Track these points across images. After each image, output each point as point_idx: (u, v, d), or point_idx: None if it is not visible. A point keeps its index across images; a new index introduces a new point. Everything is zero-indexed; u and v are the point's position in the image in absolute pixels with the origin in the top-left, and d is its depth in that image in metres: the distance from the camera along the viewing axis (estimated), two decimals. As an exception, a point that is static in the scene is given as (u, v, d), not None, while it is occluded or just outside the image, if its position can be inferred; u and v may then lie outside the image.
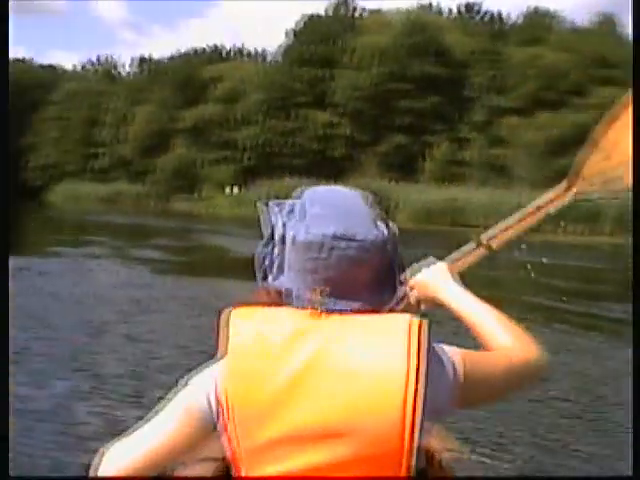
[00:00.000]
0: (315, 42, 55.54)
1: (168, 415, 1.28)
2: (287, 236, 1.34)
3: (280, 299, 1.32)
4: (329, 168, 50.46)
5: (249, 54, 66.78)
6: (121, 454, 1.26)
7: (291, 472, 1.19)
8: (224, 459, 1.41)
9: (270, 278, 1.35)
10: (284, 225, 1.36)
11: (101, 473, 1.26)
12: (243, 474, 1.24)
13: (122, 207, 53.14)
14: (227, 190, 54.26)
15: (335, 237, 1.27)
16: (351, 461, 1.18)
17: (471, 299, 1.55)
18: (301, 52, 55.73)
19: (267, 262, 1.36)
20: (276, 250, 1.35)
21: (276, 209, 1.40)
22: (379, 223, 1.35)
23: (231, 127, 58.61)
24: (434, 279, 1.59)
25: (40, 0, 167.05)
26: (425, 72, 49.74)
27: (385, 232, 1.34)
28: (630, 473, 1.32)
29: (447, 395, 1.28)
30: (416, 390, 1.15)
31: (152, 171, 60.25)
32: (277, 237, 1.36)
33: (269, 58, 63.53)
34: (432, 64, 49.85)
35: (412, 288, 1.61)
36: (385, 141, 51.37)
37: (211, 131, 59.12)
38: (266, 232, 1.38)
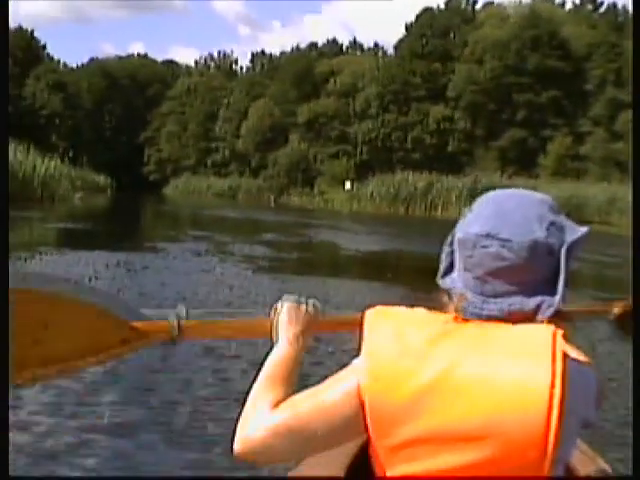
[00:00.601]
0: (431, 35, 58.36)
1: (332, 387, 1.36)
2: (455, 235, 1.42)
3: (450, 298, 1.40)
4: (445, 162, 52.96)
5: (365, 48, 70.51)
6: (273, 413, 1.37)
7: (426, 473, 1.25)
8: (361, 454, 1.59)
9: (439, 275, 1.43)
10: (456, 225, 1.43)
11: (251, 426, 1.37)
12: (378, 470, 1.32)
13: (237, 201, 57.13)
14: (344, 185, 56.61)
15: (479, 235, 1.31)
16: (487, 466, 1.22)
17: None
18: (417, 45, 58.46)
19: (443, 262, 1.44)
20: (447, 249, 1.44)
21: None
22: (541, 226, 1.32)
23: (347, 121, 61.89)
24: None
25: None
26: (543, 65, 51.41)
27: (543, 235, 1.31)
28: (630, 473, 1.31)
29: (593, 404, 1.32)
30: (561, 398, 1.18)
31: (268, 165, 64.42)
32: (449, 238, 1.45)
33: (388, 52, 66.59)
34: (550, 57, 51.48)
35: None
36: (502, 135, 53.33)
37: (327, 125, 62.63)
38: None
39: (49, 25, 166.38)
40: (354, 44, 71.01)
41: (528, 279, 1.32)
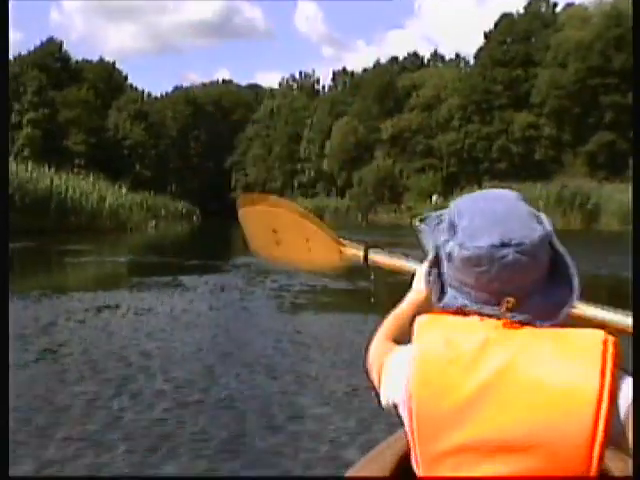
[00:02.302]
0: (511, 42, 59.33)
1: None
2: (442, 254, 1.42)
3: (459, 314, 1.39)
4: (533, 170, 53.52)
5: (447, 59, 71.79)
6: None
7: None
8: (404, 459, 1.64)
9: (435, 300, 1.43)
10: (436, 244, 1.44)
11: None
12: (421, 475, 1.35)
13: (325, 221, 59.03)
14: (431, 199, 57.76)
15: (492, 247, 1.30)
16: (531, 477, 1.24)
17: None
18: (497, 53, 59.43)
19: (432, 284, 1.44)
20: (434, 270, 1.44)
21: (429, 227, 1.52)
22: (534, 221, 1.36)
23: (431, 134, 63.43)
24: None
25: (244, 22, 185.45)
26: (629, 64, 49.77)
27: (542, 229, 1.34)
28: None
29: (625, 416, 1.27)
30: (608, 410, 1.19)
31: (354, 184, 66.24)
32: (431, 258, 1.46)
33: (470, 62, 67.76)
34: None
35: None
36: (590, 139, 53.52)
37: (411, 140, 64.24)
38: (427, 252, 1.50)
39: (135, 57, 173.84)
40: (435, 56, 72.24)
41: (538, 276, 1.35)
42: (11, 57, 68.98)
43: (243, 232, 2.59)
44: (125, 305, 11.52)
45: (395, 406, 1.44)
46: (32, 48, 69.53)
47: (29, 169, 33.25)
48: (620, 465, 1.79)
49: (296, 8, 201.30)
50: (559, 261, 1.39)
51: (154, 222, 41.36)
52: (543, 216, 1.40)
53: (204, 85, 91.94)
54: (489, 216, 1.36)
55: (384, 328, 1.67)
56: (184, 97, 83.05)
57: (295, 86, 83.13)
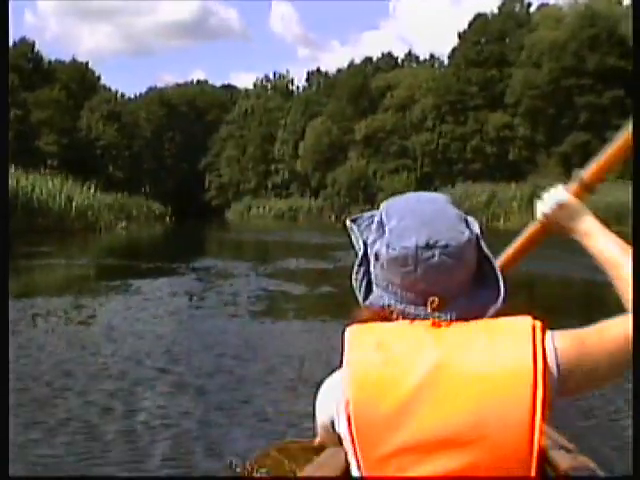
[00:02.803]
0: (485, 42, 59.04)
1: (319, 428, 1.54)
2: (370, 253, 1.44)
3: (386, 317, 1.40)
4: (507, 171, 53.75)
5: (422, 60, 71.06)
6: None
7: None
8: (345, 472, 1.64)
9: (360, 298, 1.45)
10: (365, 243, 1.46)
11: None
12: None
13: (299, 222, 58.68)
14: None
15: (418, 247, 1.33)
16: (477, 469, 1.25)
17: (609, 239, 1.56)
18: (471, 53, 59.16)
19: (358, 282, 1.46)
20: (362, 269, 1.45)
21: (357, 227, 1.52)
22: (462, 224, 1.39)
23: (405, 135, 62.91)
24: (561, 216, 1.64)
25: (219, 23, 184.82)
26: (603, 65, 50.99)
27: (469, 232, 1.38)
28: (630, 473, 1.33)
29: (554, 390, 1.32)
30: (544, 393, 1.24)
31: (328, 184, 65.85)
32: (360, 256, 1.46)
33: (444, 62, 67.20)
34: (610, 56, 50.81)
35: (544, 221, 1.69)
36: (564, 140, 53.01)
37: (385, 140, 63.71)
38: (357, 251, 1.49)
39: (110, 58, 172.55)
40: (409, 56, 71.94)
41: (465, 278, 1.38)
42: (-20, 56, 68.04)
43: None
44: (70, 311, 11.04)
45: (332, 423, 1.44)
46: (3, 48, 68.24)
47: None
48: (568, 460, 1.79)
49: (271, 9, 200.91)
50: (486, 264, 1.42)
51: (124, 223, 40.59)
52: (471, 219, 1.44)
53: (178, 86, 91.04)
54: (417, 217, 1.39)
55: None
56: (158, 98, 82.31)
57: (269, 86, 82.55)
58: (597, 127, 52.00)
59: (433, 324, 1.35)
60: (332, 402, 1.41)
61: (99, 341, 8.68)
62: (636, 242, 1.51)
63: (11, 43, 68.20)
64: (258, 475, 2.18)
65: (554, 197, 1.68)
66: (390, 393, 1.29)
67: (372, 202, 62.13)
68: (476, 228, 1.43)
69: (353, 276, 1.47)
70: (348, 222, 1.55)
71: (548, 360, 1.31)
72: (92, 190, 40.23)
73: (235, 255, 25.14)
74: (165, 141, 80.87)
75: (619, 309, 1.45)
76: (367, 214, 1.55)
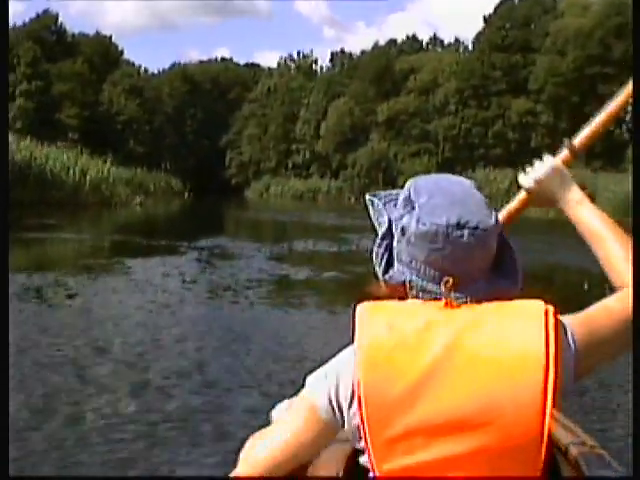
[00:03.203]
0: (511, 27, 58.68)
1: (293, 416, 1.47)
2: (395, 228, 1.43)
3: (403, 293, 1.42)
4: (528, 158, 53.71)
5: (446, 44, 70.94)
6: (250, 453, 1.49)
7: (425, 462, 1.28)
8: (352, 453, 1.66)
9: (380, 272, 1.45)
10: (389, 218, 1.45)
11: (237, 471, 1.47)
12: (377, 465, 1.33)
13: (317, 203, 58.40)
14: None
15: (449, 226, 1.33)
16: (487, 452, 1.26)
17: (595, 214, 1.62)
18: (496, 38, 58.80)
19: (379, 257, 1.45)
20: (384, 243, 1.45)
21: (381, 202, 1.50)
22: (489, 209, 1.40)
23: (427, 119, 62.76)
24: (554, 182, 1.69)
25: (246, 1, 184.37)
26: (629, 54, 51.21)
27: (494, 218, 1.39)
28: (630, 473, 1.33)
29: (571, 373, 1.37)
30: (555, 377, 1.24)
31: (348, 166, 65.68)
32: (383, 230, 1.46)
33: (469, 47, 67.00)
34: None
35: (529, 191, 1.71)
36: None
37: (407, 123, 63.50)
38: (377, 227, 1.49)
39: (135, 33, 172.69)
40: (434, 40, 71.51)
41: (486, 263, 1.39)
42: (6, 28, 68.22)
43: None
44: (71, 287, 11.04)
45: (340, 406, 1.42)
46: (27, 20, 68.75)
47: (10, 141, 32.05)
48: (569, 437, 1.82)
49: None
50: (506, 252, 1.44)
51: (139, 199, 40.02)
52: (492, 207, 1.44)
53: (202, 62, 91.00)
54: (448, 196, 1.39)
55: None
56: (181, 74, 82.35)
57: (293, 66, 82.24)
58: (621, 117, 51.46)
59: (445, 304, 1.36)
60: (335, 381, 1.41)
61: (92, 320, 8.71)
62: (636, 242, 1.54)
63: (34, 15, 68.66)
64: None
65: (547, 163, 1.73)
66: (401, 375, 1.30)
67: (392, 185, 61.90)
68: (499, 215, 1.47)
69: (374, 250, 1.47)
70: (368, 197, 1.54)
71: (563, 344, 1.34)
72: (108, 164, 39.54)
73: (250, 235, 24.83)
74: (187, 117, 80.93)
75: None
76: (387, 191, 1.55)
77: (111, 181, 37.85)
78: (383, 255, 1.46)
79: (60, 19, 69.11)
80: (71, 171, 33.49)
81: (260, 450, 1.48)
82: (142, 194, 42.52)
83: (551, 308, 1.31)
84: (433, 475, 1.30)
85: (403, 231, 1.41)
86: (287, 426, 1.48)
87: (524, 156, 41.87)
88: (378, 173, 63.95)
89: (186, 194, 58.17)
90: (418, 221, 1.37)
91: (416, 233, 1.37)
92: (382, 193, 1.55)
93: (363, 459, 1.41)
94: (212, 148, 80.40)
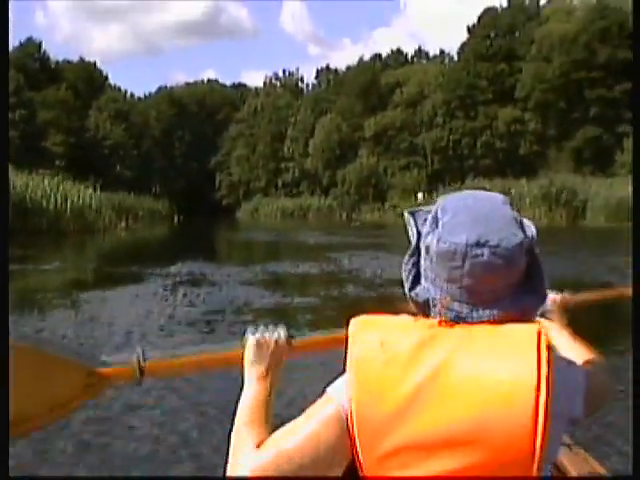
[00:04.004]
0: (495, 36, 58.55)
1: (310, 419, 1.40)
2: (422, 246, 1.43)
3: (425, 310, 1.42)
4: (518, 166, 53.23)
5: (431, 56, 70.77)
6: (258, 453, 1.40)
7: (417, 479, 1.29)
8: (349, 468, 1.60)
9: (407, 289, 1.45)
10: (419, 235, 1.45)
11: (237, 468, 1.40)
12: None
13: (308, 221, 57.86)
14: (415, 197, 57.14)
15: (468, 245, 1.32)
16: (476, 470, 1.26)
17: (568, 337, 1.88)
18: (481, 47, 58.66)
19: (407, 273, 1.46)
20: (412, 260, 1.45)
21: (414, 219, 1.50)
22: (517, 226, 1.37)
23: (415, 132, 62.57)
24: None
25: (230, 21, 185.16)
26: (614, 58, 50.26)
27: (523, 235, 1.36)
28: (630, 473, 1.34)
29: (580, 402, 1.39)
30: (547, 398, 1.22)
31: (338, 182, 65.55)
32: (412, 248, 1.46)
33: (454, 58, 66.66)
34: (621, 48, 49.66)
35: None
36: (575, 134, 52.60)
37: (395, 137, 63.43)
38: (410, 242, 1.49)
39: (121, 58, 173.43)
40: (419, 53, 71.43)
41: (512, 282, 1.37)
42: (-14, 57, 68.19)
43: None
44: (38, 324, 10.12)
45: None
46: (11, 48, 68.50)
47: None
48: (580, 466, 1.81)
49: (282, 7, 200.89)
50: (535, 269, 1.41)
51: (124, 224, 39.45)
52: (528, 222, 1.42)
53: (188, 85, 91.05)
54: (472, 214, 1.38)
55: (247, 438, 1.48)
56: (168, 97, 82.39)
57: (278, 85, 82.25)
58: (608, 120, 51.51)
59: (439, 323, 1.35)
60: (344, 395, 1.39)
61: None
62: (636, 241, 1.59)
63: (17, 43, 68.61)
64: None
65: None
66: (391, 393, 1.29)
67: (382, 200, 61.87)
68: (531, 232, 1.40)
69: (403, 266, 1.46)
70: (406, 214, 1.52)
71: (569, 374, 1.39)
72: (90, 190, 38.82)
73: (239, 258, 24.18)
74: (175, 140, 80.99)
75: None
76: (426, 208, 1.51)
77: (94, 207, 37.17)
78: (410, 272, 1.45)
79: (43, 47, 69.27)
80: (52, 198, 32.91)
81: (283, 441, 1.41)
82: (130, 219, 42.08)
83: (545, 331, 1.30)
84: None
85: (427, 249, 1.40)
86: (312, 421, 1.41)
87: (513, 165, 41.65)
88: (368, 189, 63.84)
89: (175, 217, 57.72)
90: (439, 240, 1.36)
91: (437, 252, 1.37)
92: (420, 210, 1.53)
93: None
94: (201, 170, 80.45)
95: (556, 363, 1.28)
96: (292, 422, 1.44)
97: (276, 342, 1.69)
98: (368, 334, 1.37)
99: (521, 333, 1.30)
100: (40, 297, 13.01)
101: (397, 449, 1.29)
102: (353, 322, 1.42)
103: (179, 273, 16.59)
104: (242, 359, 1.68)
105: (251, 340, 1.69)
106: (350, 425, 1.33)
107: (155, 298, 12.66)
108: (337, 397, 1.40)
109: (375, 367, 1.32)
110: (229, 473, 1.43)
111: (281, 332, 1.72)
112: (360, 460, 1.34)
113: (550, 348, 1.28)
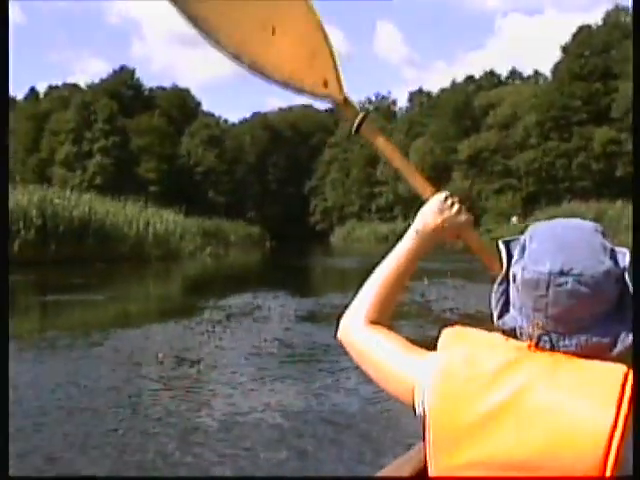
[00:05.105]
0: (590, 54, 57.93)
1: (401, 363, 1.51)
2: (510, 275, 1.44)
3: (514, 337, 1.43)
4: (615, 188, 51.94)
5: (525, 76, 70.60)
6: (359, 334, 1.61)
7: None
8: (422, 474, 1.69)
9: (495, 317, 1.46)
10: (509, 264, 1.46)
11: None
12: None
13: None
14: (510, 220, 57.27)
15: (552, 273, 1.32)
16: None
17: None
18: (575, 67, 58.22)
19: (496, 301, 1.48)
20: (501, 288, 1.47)
21: (506, 247, 1.51)
22: (605, 255, 1.36)
23: (509, 154, 62.46)
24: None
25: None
26: None
27: (612, 264, 1.35)
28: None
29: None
30: (620, 443, 1.21)
31: (432, 206, 66.27)
32: (501, 276, 1.48)
33: (548, 78, 66.33)
34: None
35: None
36: (677, 154, 52.11)
37: (489, 160, 63.46)
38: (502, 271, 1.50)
39: (216, 85, 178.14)
40: (513, 74, 71.06)
41: (600, 310, 1.36)
42: (84, 86, 71.44)
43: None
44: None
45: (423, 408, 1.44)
46: (105, 76, 71.61)
47: (69, 196, 32.22)
48: None
49: (375, 30, 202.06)
50: (626, 299, 1.38)
51: (209, 249, 39.21)
52: (622, 251, 1.39)
53: (282, 110, 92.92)
54: (558, 242, 1.37)
55: (372, 287, 1.66)
56: (262, 122, 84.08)
57: (371, 108, 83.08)
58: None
59: (529, 347, 1.38)
60: (420, 377, 1.44)
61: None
62: (636, 242, 1.58)
63: (111, 71, 71.47)
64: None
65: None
66: (470, 408, 1.33)
67: (477, 224, 61.21)
68: (624, 261, 1.39)
69: (492, 294, 1.50)
70: (500, 243, 1.54)
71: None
72: (173, 216, 39.11)
73: (333, 285, 23.36)
74: (269, 165, 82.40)
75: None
76: (520, 238, 1.51)
77: (178, 233, 37.48)
78: (499, 300, 1.48)
79: (137, 74, 72.05)
80: (134, 224, 33.46)
81: (375, 351, 1.58)
82: (221, 245, 42.44)
83: (631, 375, 1.29)
84: None
85: (514, 278, 1.43)
86: (399, 365, 1.53)
87: (610, 186, 40.93)
88: (462, 212, 63.45)
89: (267, 243, 58.63)
90: (524, 269, 1.38)
91: (522, 281, 1.39)
92: (516, 238, 1.53)
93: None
94: (296, 195, 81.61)
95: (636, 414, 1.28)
96: (399, 342, 1.57)
97: (456, 210, 1.74)
98: (457, 347, 1.42)
99: (607, 374, 1.30)
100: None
101: (467, 464, 1.34)
102: (445, 331, 1.47)
103: (270, 304, 16.01)
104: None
105: (438, 196, 1.77)
106: (427, 430, 1.39)
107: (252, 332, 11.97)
108: (420, 382, 1.46)
109: (458, 381, 1.36)
110: (342, 320, 1.67)
111: (463, 209, 1.77)
112: (431, 467, 1.40)
113: (635, 393, 1.27)
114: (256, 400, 7.26)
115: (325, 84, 1.91)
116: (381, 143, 1.92)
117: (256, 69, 1.90)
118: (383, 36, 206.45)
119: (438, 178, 65.95)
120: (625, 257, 1.39)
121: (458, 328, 1.47)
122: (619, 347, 1.36)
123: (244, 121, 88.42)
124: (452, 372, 1.37)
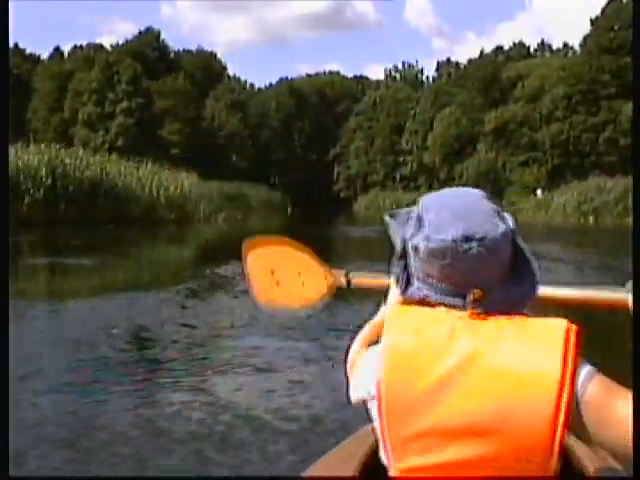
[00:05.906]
0: (620, 28, 57.00)
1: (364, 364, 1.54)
2: (408, 247, 1.48)
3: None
4: (642, 164, 52.89)
5: (554, 49, 70.44)
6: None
7: (435, 465, 1.35)
8: (373, 453, 1.73)
9: (400, 290, 1.50)
10: (404, 237, 1.49)
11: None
12: (391, 463, 1.41)
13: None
14: (535, 194, 57.04)
15: (456, 240, 1.37)
16: (495, 459, 1.31)
17: None
18: (604, 40, 57.73)
19: (397, 275, 1.51)
20: (402, 262, 1.50)
21: (396, 221, 1.56)
22: (497, 217, 1.43)
23: (535, 127, 62.30)
24: None
25: (355, 14, 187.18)
26: None
27: (505, 226, 1.41)
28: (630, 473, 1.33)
29: (580, 403, 1.33)
30: (570, 394, 1.27)
31: (456, 177, 65.79)
32: (399, 251, 1.50)
33: (577, 51, 65.98)
34: None
35: None
36: None
37: (515, 132, 63.28)
38: (395, 245, 1.53)
39: (245, 50, 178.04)
40: (542, 45, 70.61)
41: (500, 272, 1.42)
42: (108, 46, 71.73)
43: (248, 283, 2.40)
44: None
45: (364, 401, 1.52)
46: (130, 37, 71.66)
47: (81, 156, 32.17)
48: (599, 464, 1.82)
49: (406, 1, 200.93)
50: (521, 258, 1.47)
51: (223, 214, 38.76)
52: (506, 215, 1.49)
53: (309, 76, 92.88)
54: (454, 211, 1.43)
55: (361, 335, 1.73)
56: (288, 88, 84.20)
57: (398, 77, 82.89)
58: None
59: (470, 315, 1.40)
60: (373, 369, 1.45)
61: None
62: (636, 242, 1.60)
63: (137, 32, 71.50)
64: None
65: None
66: (421, 378, 1.36)
67: (500, 196, 61.39)
68: (511, 223, 1.46)
69: (392, 269, 1.54)
70: (387, 217, 1.60)
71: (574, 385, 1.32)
72: (186, 179, 38.25)
73: (355, 254, 22.38)
74: (294, 131, 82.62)
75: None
76: (404, 209, 1.59)
77: (195, 196, 37.07)
78: (401, 273, 1.51)
79: (162, 36, 72.00)
80: (147, 186, 33.27)
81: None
82: (241, 209, 42.11)
83: (574, 327, 1.35)
84: (445, 477, 1.38)
85: (416, 249, 1.45)
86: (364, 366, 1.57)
87: (635, 162, 40.77)
88: (486, 184, 63.19)
89: (289, 209, 58.83)
90: (427, 239, 1.42)
91: (426, 251, 1.42)
92: (400, 212, 1.59)
93: (383, 457, 1.48)
94: (320, 162, 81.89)
95: (580, 362, 1.34)
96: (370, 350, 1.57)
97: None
98: (402, 321, 1.43)
99: (550, 329, 1.36)
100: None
101: (421, 433, 1.36)
102: (389, 309, 1.53)
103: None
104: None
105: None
106: (379, 405, 1.40)
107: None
108: (359, 392, 1.54)
109: (407, 352, 1.38)
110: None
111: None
112: (385, 440, 1.42)
113: (578, 345, 1.33)
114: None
115: (327, 281, 2.31)
116: (368, 280, 2.24)
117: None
118: (413, 5, 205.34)
119: (463, 149, 66.14)
120: (510, 219, 1.48)
121: (400, 306, 1.50)
122: (524, 303, 1.46)
123: (270, 86, 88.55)
124: (401, 345, 1.40)
